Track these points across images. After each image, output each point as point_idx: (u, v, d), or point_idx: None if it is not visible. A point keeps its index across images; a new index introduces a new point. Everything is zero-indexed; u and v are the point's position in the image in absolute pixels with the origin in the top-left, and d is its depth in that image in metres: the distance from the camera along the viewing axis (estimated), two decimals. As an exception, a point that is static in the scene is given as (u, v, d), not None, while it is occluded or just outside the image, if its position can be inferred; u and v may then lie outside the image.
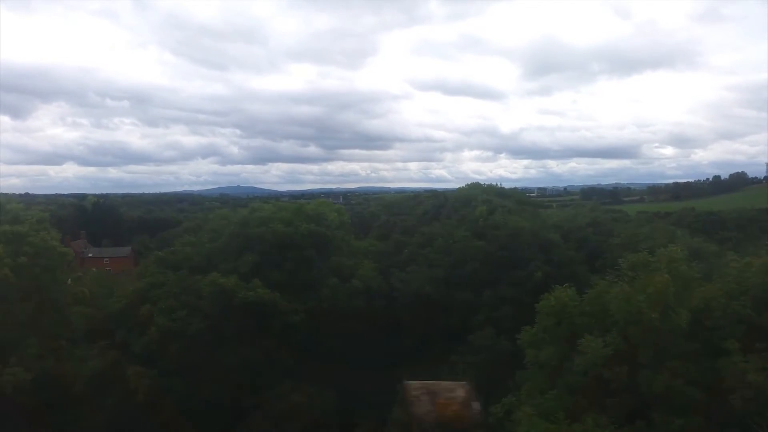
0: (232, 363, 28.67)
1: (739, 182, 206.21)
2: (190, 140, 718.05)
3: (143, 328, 29.60)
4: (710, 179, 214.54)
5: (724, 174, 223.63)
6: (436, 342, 31.01)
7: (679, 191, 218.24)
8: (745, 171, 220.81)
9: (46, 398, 30.88)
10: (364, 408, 27.86)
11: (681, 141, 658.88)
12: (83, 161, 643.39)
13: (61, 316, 34.28)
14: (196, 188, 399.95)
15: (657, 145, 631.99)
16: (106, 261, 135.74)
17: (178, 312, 28.94)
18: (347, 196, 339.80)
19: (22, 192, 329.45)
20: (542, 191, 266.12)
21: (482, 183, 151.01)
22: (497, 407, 23.69)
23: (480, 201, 67.85)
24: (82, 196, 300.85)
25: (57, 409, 30.77)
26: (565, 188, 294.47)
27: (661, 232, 35.26)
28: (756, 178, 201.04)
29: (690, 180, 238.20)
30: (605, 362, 19.82)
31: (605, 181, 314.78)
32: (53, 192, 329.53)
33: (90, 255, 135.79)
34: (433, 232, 36.67)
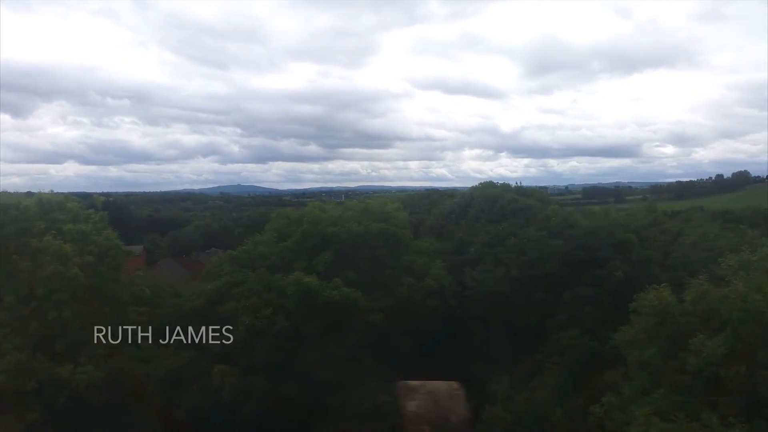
0: (315, 361, 28.40)
1: (741, 181, 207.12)
2: (190, 139, 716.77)
3: (223, 326, 29.32)
4: (713, 178, 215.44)
5: (726, 173, 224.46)
6: (514, 342, 30.76)
7: (682, 190, 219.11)
8: (748, 170, 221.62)
9: (119, 397, 30.61)
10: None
11: (682, 140, 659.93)
12: (84, 160, 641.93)
13: (124, 315, 33.95)
14: (196, 187, 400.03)
15: (658, 144, 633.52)
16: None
17: (264, 310, 28.62)
18: (349, 195, 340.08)
19: (25, 191, 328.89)
20: (543, 190, 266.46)
21: (495, 182, 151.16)
22: (597, 407, 23.49)
23: (507, 200, 67.81)
24: (84, 195, 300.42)
25: (130, 408, 30.48)
26: (566, 187, 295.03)
27: (732, 231, 35.15)
28: (759, 177, 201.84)
29: (693, 179, 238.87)
30: (720, 362, 19.67)
31: (606, 180, 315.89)
32: (55, 191, 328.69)
33: None
34: (499, 231, 36.39)
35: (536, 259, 32.28)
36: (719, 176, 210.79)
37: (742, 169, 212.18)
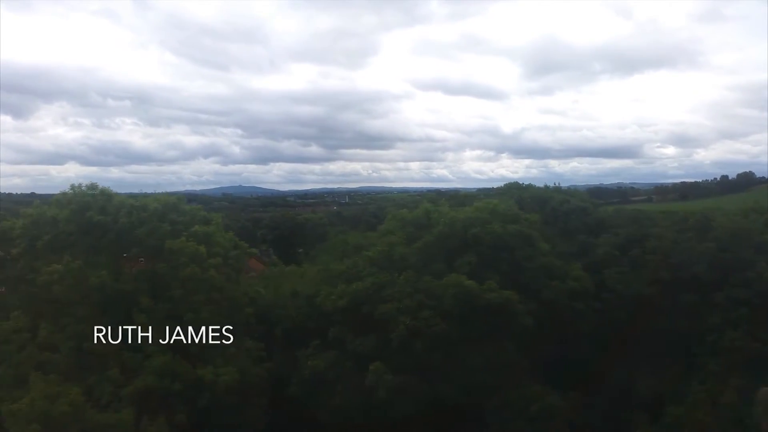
0: (472, 363, 27.79)
1: (746, 182, 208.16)
2: (191, 140, 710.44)
3: (372, 327, 28.76)
4: (718, 179, 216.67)
5: (729, 173, 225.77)
6: (661, 345, 30.23)
7: (686, 191, 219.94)
8: (750, 171, 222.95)
9: (250, 397, 29.86)
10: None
11: (683, 141, 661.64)
12: (85, 161, 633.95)
13: (242, 316, 33.26)
14: (198, 188, 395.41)
15: (659, 144, 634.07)
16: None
17: (423, 311, 27.98)
18: (353, 195, 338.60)
19: (28, 192, 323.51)
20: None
21: (521, 182, 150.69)
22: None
23: (557, 201, 67.31)
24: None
25: (267, 409, 29.74)
26: (568, 188, 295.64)
27: None
28: (763, 177, 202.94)
29: (698, 180, 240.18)
30: None
31: (607, 181, 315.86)
32: (56, 191, 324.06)
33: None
34: (630, 233, 35.73)
35: (683, 261, 31.78)
36: (724, 177, 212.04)
37: (746, 170, 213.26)
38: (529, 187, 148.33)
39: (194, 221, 34.97)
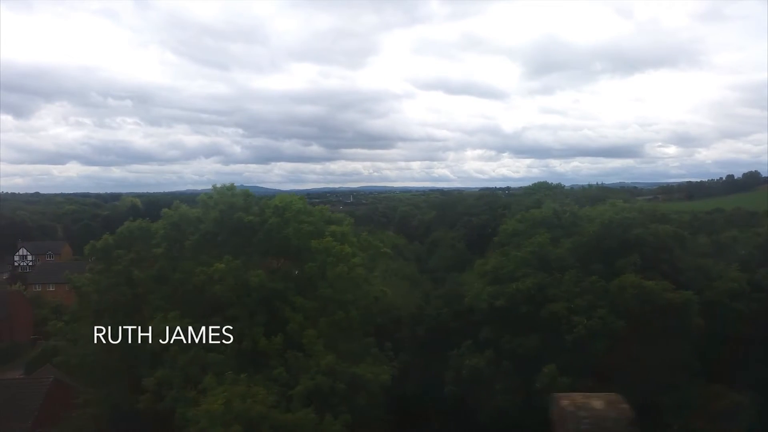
0: (649, 363, 27.09)
1: (752, 181, 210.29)
2: (192, 139, 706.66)
3: (534, 327, 27.99)
4: (723, 178, 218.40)
5: (730, 173, 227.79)
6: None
7: (692, 190, 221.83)
8: (750, 170, 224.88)
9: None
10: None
11: (684, 140, 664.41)
12: (86, 161, 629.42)
13: (369, 317, 32.55)
14: (199, 188, 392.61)
15: (660, 144, 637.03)
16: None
17: (598, 311, 27.22)
18: (357, 195, 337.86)
19: (32, 191, 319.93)
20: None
21: (549, 182, 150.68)
22: None
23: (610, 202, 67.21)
24: (88, 196, 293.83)
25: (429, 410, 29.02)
26: (571, 187, 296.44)
27: None
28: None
29: (698, 179, 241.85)
30: None
31: (609, 181, 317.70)
32: (58, 191, 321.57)
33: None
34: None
35: None
36: (730, 176, 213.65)
37: (752, 170, 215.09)
38: (557, 187, 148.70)
39: (322, 220, 34.22)
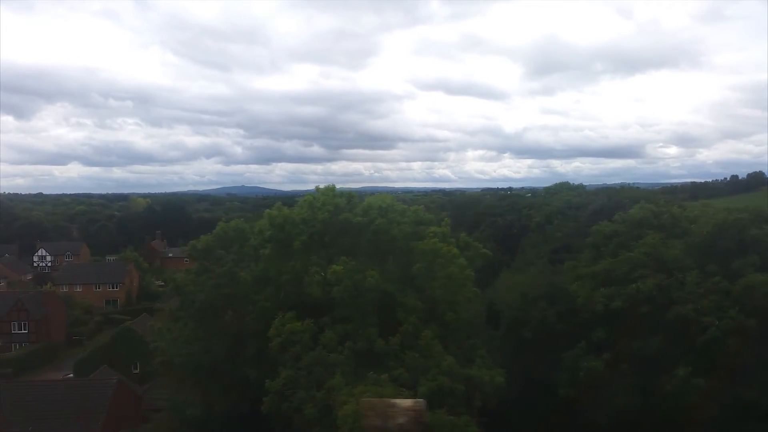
0: None
1: (756, 182, 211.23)
2: (193, 140, 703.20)
3: (657, 328, 28.14)
4: (728, 178, 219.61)
5: (731, 173, 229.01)
6: None
7: (696, 191, 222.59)
8: (751, 171, 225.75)
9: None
10: None
11: (685, 140, 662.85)
12: (88, 161, 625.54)
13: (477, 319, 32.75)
14: (200, 188, 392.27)
15: (661, 144, 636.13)
16: (186, 261, 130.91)
17: (729, 311, 27.48)
18: (361, 195, 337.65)
19: (35, 192, 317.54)
20: (550, 190, 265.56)
21: (570, 182, 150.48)
22: None
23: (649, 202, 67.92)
24: (89, 196, 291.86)
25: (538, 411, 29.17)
26: (544, 188, 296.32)
27: None
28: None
29: (705, 180, 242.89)
30: None
31: (610, 181, 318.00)
32: (60, 192, 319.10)
33: (170, 255, 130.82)
34: None
35: None
36: (734, 177, 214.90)
37: (755, 170, 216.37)
38: (579, 187, 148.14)
39: (415, 221, 34.29)
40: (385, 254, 31.15)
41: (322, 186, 32.73)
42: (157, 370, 36.47)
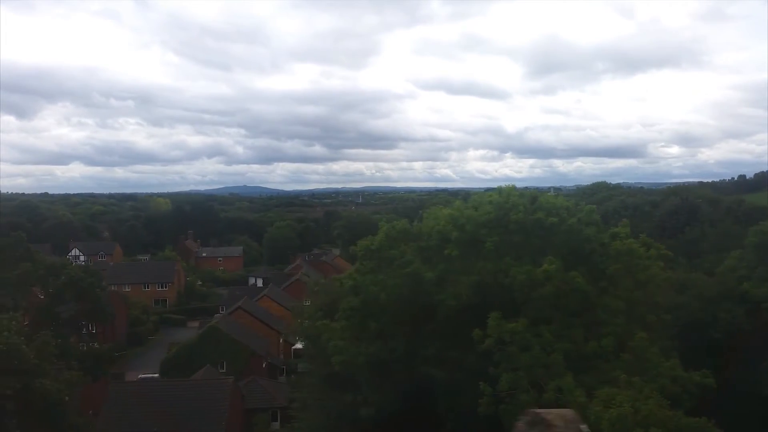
0: None
1: (763, 181, 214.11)
2: (195, 140, 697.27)
3: None
4: (735, 178, 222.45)
5: (734, 173, 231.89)
6: None
7: (703, 190, 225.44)
8: (751, 171, 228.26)
9: None
10: None
11: (687, 140, 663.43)
12: (89, 161, 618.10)
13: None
14: (202, 188, 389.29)
15: (663, 144, 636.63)
16: (220, 260, 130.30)
17: None
18: (365, 195, 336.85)
19: (41, 192, 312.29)
20: (558, 191, 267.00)
21: (609, 183, 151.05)
22: None
23: (732, 200, 68.63)
24: (91, 196, 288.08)
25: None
26: (577, 187, 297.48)
27: None
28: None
29: (707, 179, 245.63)
30: None
31: (612, 181, 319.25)
32: (63, 192, 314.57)
33: (204, 254, 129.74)
34: None
35: None
36: (741, 176, 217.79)
37: (758, 170, 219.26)
38: (617, 187, 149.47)
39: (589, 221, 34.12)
40: (578, 255, 30.98)
41: (504, 185, 32.52)
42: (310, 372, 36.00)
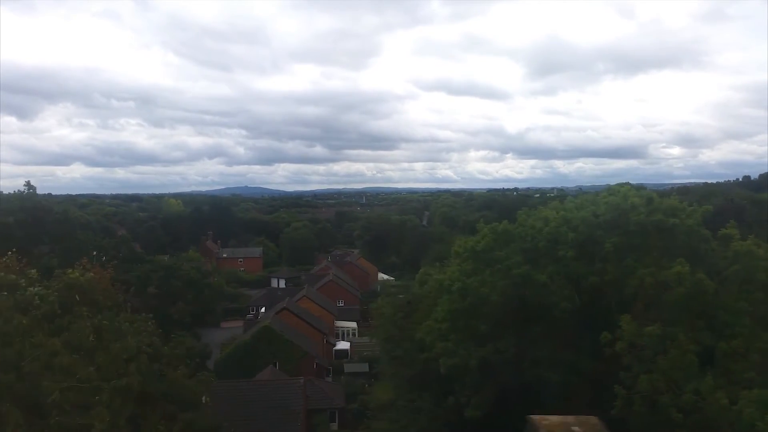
0: None
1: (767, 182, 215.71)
2: (196, 141, 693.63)
3: None
4: (740, 179, 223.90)
5: (735, 173, 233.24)
6: None
7: (708, 191, 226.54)
8: (754, 171, 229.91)
9: None
10: None
11: (688, 141, 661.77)
12: (90, 162, 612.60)
13: None
14: (203, 188, 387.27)
15: (664, 145, 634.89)
16: (240, 261, 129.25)
17: None
18: (369, 196, 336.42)
19: (44, 192, 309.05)
20: (561, 192, 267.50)
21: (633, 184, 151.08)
22: None
23: None
24: (92, 197, 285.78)
25: None
26: (580, 188, 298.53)
27: None
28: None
29: (710, 180, 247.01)
30: None
31: (613, 182, 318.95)
32: (67, 192, 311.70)
33: (224, 255, 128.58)
34: None
35: None
36: (746, 177, 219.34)
37: (761, 170, 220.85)
38: (641, 188, 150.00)
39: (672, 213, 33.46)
40: (695, 256, 30.55)
41: (614, 184, 32.10)
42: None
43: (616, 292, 29.76)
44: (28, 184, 76.86)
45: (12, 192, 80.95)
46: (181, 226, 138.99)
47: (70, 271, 21.42)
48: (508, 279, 31.04)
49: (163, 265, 52.11)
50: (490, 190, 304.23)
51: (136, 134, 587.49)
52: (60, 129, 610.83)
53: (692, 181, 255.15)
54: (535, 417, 3.90)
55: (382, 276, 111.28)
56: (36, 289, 18.47)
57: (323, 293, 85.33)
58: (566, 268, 30.60)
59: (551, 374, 29.44)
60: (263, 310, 76.53)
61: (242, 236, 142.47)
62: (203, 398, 26.33)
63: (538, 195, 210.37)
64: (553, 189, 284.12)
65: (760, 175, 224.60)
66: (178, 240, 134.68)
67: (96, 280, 22.85)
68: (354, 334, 79.03)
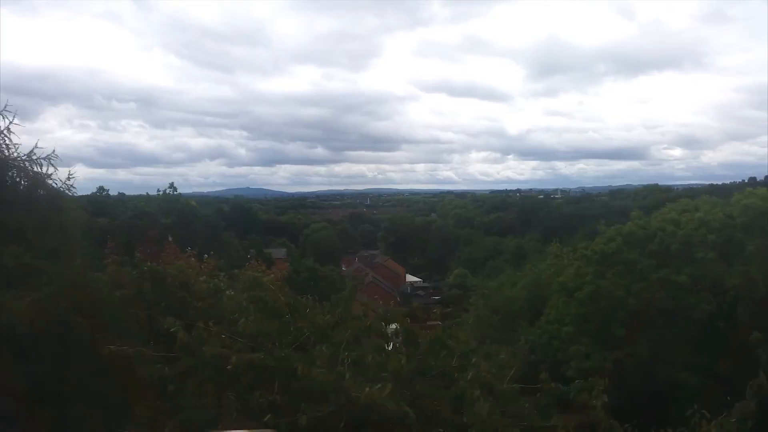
0: None
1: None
2: (197, 142, 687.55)
3: None
4: (746, 180, 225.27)
5: (737, 174, 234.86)
6: None
7: (715, 193, 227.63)
8: (757, 173, 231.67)
9: None
10: None
11: (689, 142, 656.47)
12: (92, 163, 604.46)
13: None
14: (205, 190, 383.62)
15: (665, 146, 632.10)
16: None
17: None
18: (372, 197, 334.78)
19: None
20: (565, 193, 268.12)
21: (660, 185, 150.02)
22: None
23: None
24: (93, 197, 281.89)
25: None
26: (582, 189, 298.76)
27: None
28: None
29: (715, 182, 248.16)
30: None
31: (615, 183, 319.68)
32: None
33: (250, 256, 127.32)
34: None
35: None
36: (752, 179, 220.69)
37: (760, 172, 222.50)
38: (668, 190, 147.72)
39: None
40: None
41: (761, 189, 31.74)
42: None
43: (758, 293, 29.45)
44: (172, 185, 78.38)
45: (157, 193, 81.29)
46: (201, 228, 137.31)
47: (249, 272, 20.69)
48: (643, 282, 30.64)
49: (308, 267, 51.44)
50: (492, 192, 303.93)
51: (137, 135, 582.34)
52: (61, 130, 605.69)
53: (694, 182, 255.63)
54: None
55: (410, 278, 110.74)
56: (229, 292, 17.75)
57: (365, 294, 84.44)
58: (705, 270, 30.20)
59: (688, 377, 29.02)
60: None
61: (263, 237, 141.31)
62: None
63: (541, 196, 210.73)
64: (556, 190, 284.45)
65: (766, 177, 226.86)
66: (196, 241, 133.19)
67: (274, 280, 21.99)
68: (398, 335, 78.24)
